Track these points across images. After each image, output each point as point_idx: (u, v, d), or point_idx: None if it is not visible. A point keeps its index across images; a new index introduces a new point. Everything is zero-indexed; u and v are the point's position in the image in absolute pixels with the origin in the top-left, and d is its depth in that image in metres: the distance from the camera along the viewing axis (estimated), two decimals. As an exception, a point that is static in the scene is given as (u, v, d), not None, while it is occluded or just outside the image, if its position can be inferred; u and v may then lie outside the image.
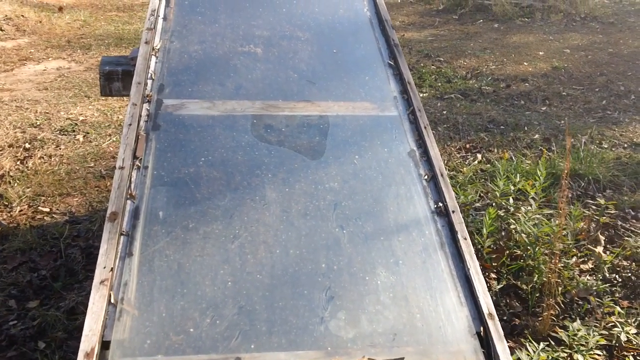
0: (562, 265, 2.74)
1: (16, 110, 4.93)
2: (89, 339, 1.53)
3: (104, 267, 1.69)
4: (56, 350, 2.30)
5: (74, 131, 4.55)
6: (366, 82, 2.54)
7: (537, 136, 4.67)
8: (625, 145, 4.53)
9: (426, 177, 2.17)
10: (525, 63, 6.90)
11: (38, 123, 4.67)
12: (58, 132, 4.52)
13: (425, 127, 2.33)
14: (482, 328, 1.70)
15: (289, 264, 1.83)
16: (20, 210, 3.34)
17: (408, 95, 2.49)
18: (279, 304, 1.71)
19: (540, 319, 2.46)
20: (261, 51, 2.59)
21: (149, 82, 2.33)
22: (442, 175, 2.15)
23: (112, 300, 1.65)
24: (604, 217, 3.31)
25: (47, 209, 3.37)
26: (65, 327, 2.41)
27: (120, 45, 7.24)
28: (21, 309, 2.54)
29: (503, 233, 3.05)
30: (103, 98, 5.31)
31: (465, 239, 1.94)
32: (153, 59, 2.43)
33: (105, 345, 1.56)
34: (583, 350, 2.20)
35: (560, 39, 7.99)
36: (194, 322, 1.64)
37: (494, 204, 3.19)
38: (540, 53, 7.32)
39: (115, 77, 2.75)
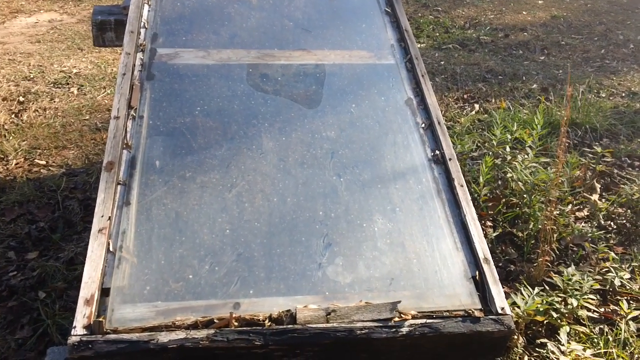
0: (558, 212, 2.75)
1: (9, 64, 4.87)
2: (89, 286, 1.54)
3: (102, 216, 1.69)
4: (56, 299, 2.33)
5: (68, 84, 4.51)
6: (363, 30, 2.50)
7: (535, 86, 4.64)
8: (623, 95, 4.52)
9: (423, 125, 2.16)
10: (524, 12, 6.81)
11: (32, 76, 4.62)
12: (52, 85, 4.48)
13: (422, 75, 2.31)
14: (477, 272, 1.72)
15: (286, 211, 1.83)
16: (17, 163, 3.33)
17: (405, 43, 2.46)
18: (277, 250, 1.72)
19: (535, 265, 2.48)
20: (256, -1, 2.55)
21: (142, 31, 2.30)
22: (439, 123, 2.15)
23: (111, 249, 1.66)
24: (600, 165, 3.31)
25: (44, 162, 3.37)
26: (65, 277, 2.43)
27: (113, -3, 7.12)
28: (20, 260, 2.55)
29: (499, 181, 3.05)
30: (96, 50, 5.25)
31: (462, 186, 1.95)
32: (146, 7, 2.39)
33: (105, 292, 1.57)
34: (577, 295, 2.23)
35: (560, -13, 7.87)
36: (192, 269, 1.65)
37: (490, 153, 3.19)
38: (540, 2, 7.21)
39: (108, 27, 2.71)
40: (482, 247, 1.77)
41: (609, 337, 2.15)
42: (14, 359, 2.09)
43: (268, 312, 1.56)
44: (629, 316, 2.22)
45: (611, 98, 4.42)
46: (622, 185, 3.14)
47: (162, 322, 1.52)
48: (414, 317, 1.58)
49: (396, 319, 1.56)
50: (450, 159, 2.02)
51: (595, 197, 3.07)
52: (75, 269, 2.47)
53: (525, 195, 2.80)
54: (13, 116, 3.89)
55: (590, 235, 2.72)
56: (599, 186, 3.18)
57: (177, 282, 1.62)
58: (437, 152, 2.06)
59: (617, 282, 2.41)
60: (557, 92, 4.45)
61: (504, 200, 2.90)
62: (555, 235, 2.62)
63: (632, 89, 4.63)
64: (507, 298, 1.86)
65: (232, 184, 1.88)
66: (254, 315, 1.55)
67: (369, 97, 2.24)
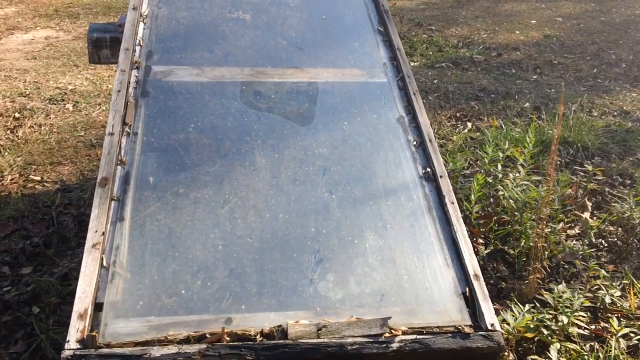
0: (549, 230, 2.78)
1: (5, 80, 4.89)
2: (82, 300, 1.56)
3: (96, 231, 1.71)
4: (50, 314, 2.33)
5: (63, 100, 4.53)
6: (355, 49, 2.54)
7: (527, 104, 4.68)
8: (615, 114, 4.56)
9: (415, 142, 2.19)
10: (517, 31, 6.88)
11: (27, 92, 4.64)
12: (47, 101, 4.50)
13: (414, 94, 2.34)
14: (467, 288, 1.74)
15: (278, 228, 1.85)
16: (12, 179, 3.34)
17: (397, 62, 2.49)
18: (268, 266, 1.74)
19: (526, 282, 2.50)
20: (250, 17, 2.58)
21: (137, 48, 2.33)
22: (430, 141, 2.17)
23: (105, 264, 1.67)
24: (591, 184, 3.35)
25: (38, 178, 3.38)
26: (58, 293, 2.44)
27: (109, 14, 7.17)
28: (15, 275, 2.56)
29: (491, 199, 3.08)
30: (92, 67, 5.28)
31: (453, 203, 1.97)
32: (141, 25, 2.42)
33: (98, 307, 1.59)
34: (568, 312, 2.25)
35: (553, 7, 7.97)
36: (185, 284, 1.66)
37: (482, 171, 3.22)
38: (533, 21, 7.29)
39: (104, 44, 2.74)
40: (472, 264, 1.79)
41: (600, 354, 2.17)
42: (6, 374, 2.10)
43: (260, 328, 1.58)
44: (619, 333, 2.23)
45: (603, 117, 4.47)
46: (613, 204, 3.16)
47: (155, 337, 1.53)
48: (404, 333, 1.59)
49: (387, 334, 1.57)
50: (441, 177, 2.05)
51: (586, 215, 3.10)
52: (69, 284, 2.47)
53: (516, 213, 2.82)
54: (8, 132, 3.91)
55: (581, 253, 2.74)
56: (590, 204, 3.21)
57: (169, 297, 1.63)
58: (428, 169, 2.09)
59: (607, 299, 2.42)
60: (549, 110, 4.49)
61: (495, 217, 2.92)
62: (546, 253, 2.64)
63: (624, 107, 4.67)
64: (497, 315, 1.88)
65: (225, 200, 1.90)
66: (245, 331, 1.56)
67: (361, 114, 2.26)
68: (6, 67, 5.23)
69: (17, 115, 4.18)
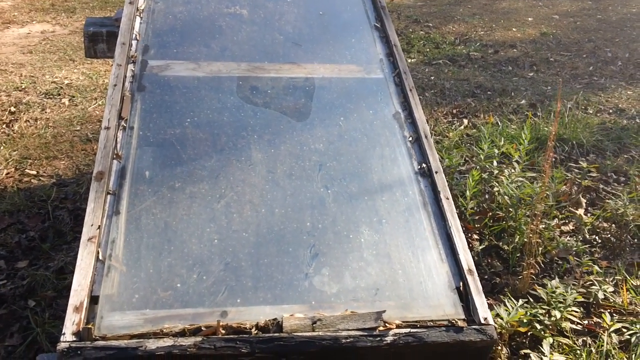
0: (543, 226, 2.79)
1: (1, 74, 4.89)
2: (78, 293, 1.56)
3: (92, 225, 1.71)
4: (46, 308, 2.34)
5: (59, 95, 4.53)
6: (352, 45, 2.55)
7: (523, 102, 4.69)
8: (610, 111, 4.57)
9: (410, 138, 2.20)
10: (514, 29, 6.89)
11: (23, 86, 4.64)
12: (43, 95, 4.50)
13: (410, 90, 2.35)
14: (461, 283, 1.75)
15: (274, 222, 1.86)
16: (7, 173, 3.34)
17: (394, 58, 2.50)
18: (264, 260, 1.75)
19: (520, 277, 2.52)
20: (247, 13, 2.59)
21: (134, 42, 2.33)
22: (426, 137, 2.18)
23: (100, 257, 1.68)
24: (586, 180, 3.36)
25: (34, 172, 3.38)
26: (54, 286, 2.44)
27: (105, 9, 7.16)
28: (10, 269, 2.56)
29: (486, 195, 3.09)
30: (88, 62, 5.28)
31: (448, 198, 1.98)
32: (137, 19, 2.42)
33: (94, 300, 1.59)
34: (561, 307, 2.26)
35: (550, 5, 7.99)
36: (181, 278, 1.67)
37: (478, 167, 3.23)
38: (529, 19, 7.31)
39: (100, 39, 2.74)
40: (466, 259, 1.80)
41: (592, 349, 2.18)
42: (2, 367, 2.11)
43: (255, 321, 1.58)
44: (612, 328, 2.25)
45: (598, 114, 4.48)
46: (607, 200, 3.18)
47: (150, 330, 1.53)
48: (398, 327, 1.60)
49: (381, 328, 1.58)
50: (436, 172, 2.05)
51: (580, 211, 3.11)
52: (65, 278, 2.48)
53: (511, 209, 2.84)
54: (4, 126, 3.91)
55: (575, 249, 2.76)
56: (585, 201, 3.22)
57: (165, 290, 1.64)
58: (424, 165, 2.10)
59: (600, 295, 2.44)
60: (545, 108, 4.50)
61: (490, 213, 2.93)
62: (540, 249, 2.66)
63: (619, 105, 4.69)
64: (491, 309, 1.90)
65: (220, 194, 1.91)
66: (241, 324, 1.57)
67: (357, 110, 2.27)
68: (2, 61, 5.22)
69: (12, 109, 4.17)
